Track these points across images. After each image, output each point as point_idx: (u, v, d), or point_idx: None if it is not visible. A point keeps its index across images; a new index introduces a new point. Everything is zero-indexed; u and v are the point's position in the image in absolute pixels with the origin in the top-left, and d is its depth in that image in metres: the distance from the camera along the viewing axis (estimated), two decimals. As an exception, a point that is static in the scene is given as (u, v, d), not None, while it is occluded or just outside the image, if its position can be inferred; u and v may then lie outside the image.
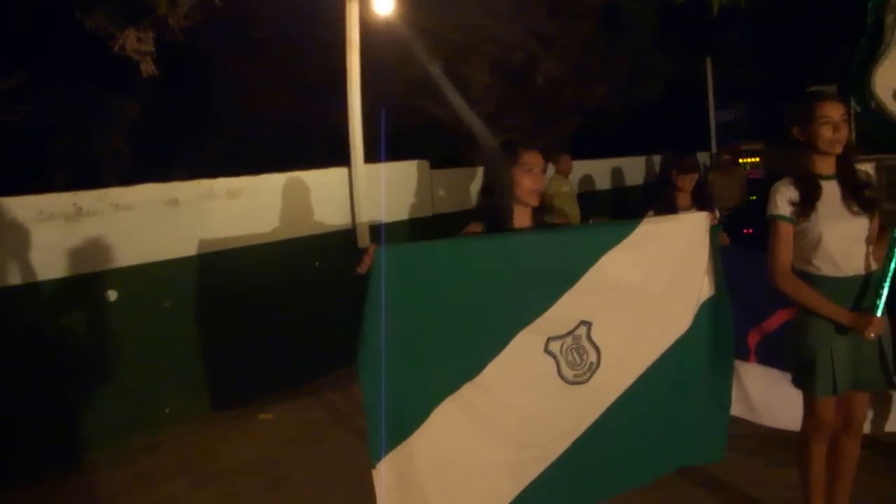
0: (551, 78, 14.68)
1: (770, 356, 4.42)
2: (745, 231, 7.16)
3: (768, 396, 4.41)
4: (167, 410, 5.88)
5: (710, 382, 3.31)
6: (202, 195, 6.18)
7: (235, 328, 6.26)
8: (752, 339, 4.49)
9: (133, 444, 5.53)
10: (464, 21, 13.56)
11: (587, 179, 11.46)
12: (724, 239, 4.74)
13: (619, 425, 3.11)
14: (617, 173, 11.96)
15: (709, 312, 3.27)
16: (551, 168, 9.97)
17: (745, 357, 4.49)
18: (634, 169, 12.28)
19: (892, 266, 3.21)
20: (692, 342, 3.24)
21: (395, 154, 7.97)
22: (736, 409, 4.38)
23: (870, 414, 4.35)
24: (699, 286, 3.25)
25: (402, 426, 2.80)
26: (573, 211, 9.33)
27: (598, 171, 12.00)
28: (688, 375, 3.25)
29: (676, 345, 3.21)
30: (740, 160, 10.12)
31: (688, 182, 4.82)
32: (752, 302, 4.23)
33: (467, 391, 2.87)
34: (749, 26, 16.66)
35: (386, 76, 11.38)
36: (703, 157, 13.59)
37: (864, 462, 3.62)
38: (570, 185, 9.66)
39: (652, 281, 3.14)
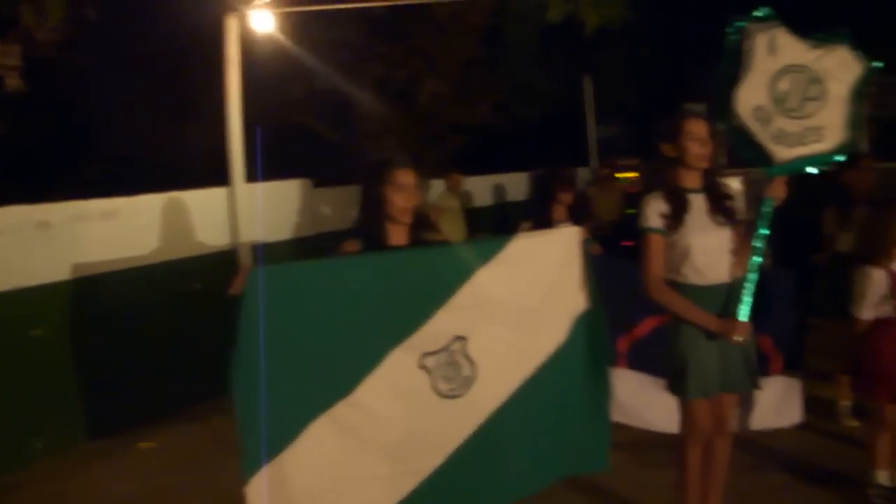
0: (434, 96, 14.83)
1: (639, 362, 4.59)
2: (623, 243, 7.41)
3: (638, 400, 4.57)
4: (39, 444, 5.59)
5: (588, 393, 3.41)
6: (75, 217, 5.92)
7: (113, 354, 6.01)
8: (622, 346, 4.65)
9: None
10: (347, 39, 13.57)
11: (472, 196, 11.62)
12: (595, 248, 4.91)
13: (498, 437, 3.17)
14: (500, 189, 12.18)
15: (584, 325, 3.36)
16: (441, 184, 10.10)
17: (614, 363, 4.64)
18: (517, 185, 12.53)
19: (755, 274, 3.39)
20: (569, 354, 3.32)
21: (279, 173, 7.88)
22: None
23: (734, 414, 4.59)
24: (574, 299, 3.34)
25: (275, 443, 2.81)
26: (460, 227, 9.46)
27: (482, 187, 12.19)
28: (566, 386, 3.34)
29: (553, 357, 3.29)
30: (618, 175, 10.48)
31: (567, 196, 4.97)
32: (621, 310, 4.38)
33: (341, 408, 2.90)
34: (627, 46, 17.32)
35: (268, 94, 11.25)
36: (583, 173, 13.98)
37: (731, 460, 3.79)
38: (458, 201, 9.81)
39: (526, 295, 3.21)
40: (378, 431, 2.98)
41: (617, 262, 4.56)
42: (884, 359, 3.93)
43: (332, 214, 8.78)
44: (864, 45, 3.48)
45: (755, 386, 3.59)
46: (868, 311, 3.94)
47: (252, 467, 2.78)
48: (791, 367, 4.70)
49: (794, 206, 6.01)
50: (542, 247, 3.31)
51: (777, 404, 4.77)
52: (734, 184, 3.71)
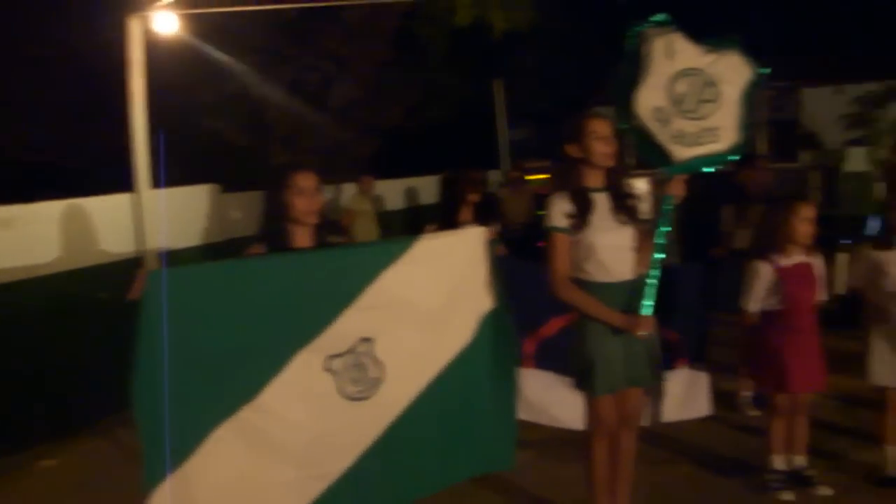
0: (346, 99, 14.77)
1: (546, 361, 4.66)
2: (538, 244, 7.50)
3: (545, 398, 4.64)
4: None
5: (495, 392, 3.44)
6: (-32, 226, 5.68)
7: (9, 368, 5.76)
8: (529, 346, 4.71)
9: None
10: (257, 42, 13.37)
11: (384, 199, 11.62)
12: (500, 249, 4.97)
13: (406, 437, 3.17)
14: (412, 193, 12.21)
15: (490, 324, 3.39)
16: (354, 187, 10.07)
17: (520, 363, 4.71)
18: (429, 188, 12.58)
19: (657, 270, 3.49)
20: (475, 354, 3.35)
21: (187, 178, 7.72)
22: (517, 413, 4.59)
23: (644, 408, 4.71)
24: (480, 298, 3.38)
25: (178, 453, 2.75)
26: (373, 230, 9.46)
27: (395, 190, 12.19)
28: (473, 386, 3.37)
29: (460, 357, 3.31)
30: (529, 177, 10.63)
31: (475, 197, 5.02)
32: (527, 310, 4.44)
33: (246, 413, 2.86)
34: (538, 49, 17.62)
35: (176, 98, 10.99)
36: (494, 176, 14.12)
37: (639, 453, 3.90)
38: (371, 204, 9.80)
39: (433, 295, 3.23)
40: (284, 436, 2.94)
41: (522, 263, 4.61)
42: (769, 349, 4.10)
43: (241, 220, 8.65)
44: (754, 53, 3.63)
45: (659, 379, 3.72)
46: (755, 303, 4.11)
47: (155, 479, 2.72)
48: (696, 361, 4.85)
49: (696, 205, 6.26)
50: (448, 247, 3.34)
51: (685, 397, 4.90)
52: (641, 184, 3.82)
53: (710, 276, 4.91)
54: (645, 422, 4.75)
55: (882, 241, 4.11)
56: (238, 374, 2.85)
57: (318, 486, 3.02)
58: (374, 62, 14.92)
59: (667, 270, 4.63)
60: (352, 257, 3.19)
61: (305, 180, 3.24)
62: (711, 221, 5.49)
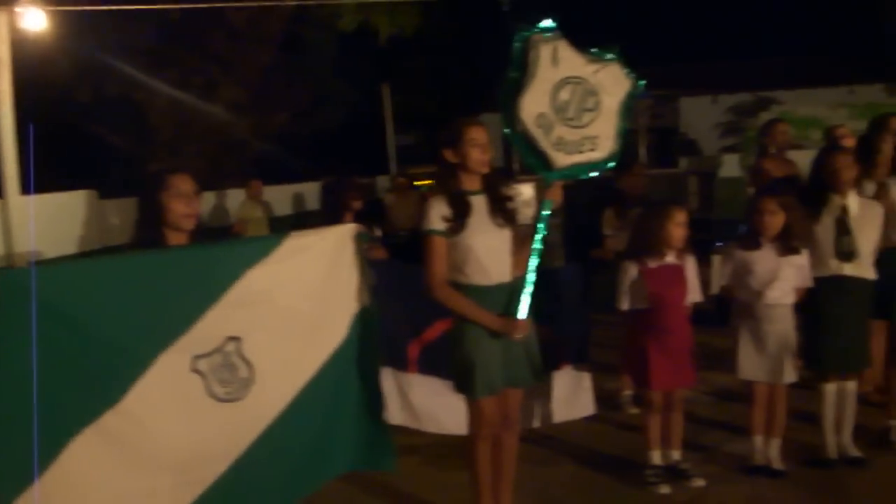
0: (232, 103, 14.48)
1: (430, 366, 4.68)
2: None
3: (432, 404, 4.67)
4: None
5: (365, 391, 3.45)
6: None
7: None
8: (413, 350, 4.73)
9: None
10: (140, 43, 12.96)
11: (271, 205, 11.45)
12: (382, 252, 4.98)
13: (284, 439, 3.14)
14: (299, 198, 12.05)
15: (361, 323, 3.40)
16: (241, 193, 9.87)
17: (404, 367, 4.72)
18: (317, 194, 12.48)
19: (534, 273, 3.57)
20: (347, 353, 3.36)
21: (67, 184, 7.43)
22: (402, 419, 4.62)
23: (525, 410, 4.81)
24: (350, 297, 3.38)
25: (31, 467, 2.59)
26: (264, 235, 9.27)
27: (282, 196, 12.01)
28: (346, 385, 3.38)
29: (334, 356, 3.31)
30: (417, 183, 10.68)
31: (357, 203, 5.02)
32: (411, 313, 4.46)
33: (109, 418, 2.73)
34: (426, 54, 17.72)
35: (53, 100, 10.53)
36: (383, 181, 14.11)
37: (522, 454, 3.98)
38: (261, 210, 9.62)
39: (302, 294, 3.20)
40: (151, 441, 2.83)
41: (406, 267, 4.63)
42: (638, 347, 4.26)
43: (120, 227, 8.35)
44: (632, 64, 3.77)
45: (538, 380, 3.80)
46: (624, 302, 4.27)
47: (10, 494, 2.56)
48: (579, 361, 4.97)
49: (578, 208, 6.43)
50: (316, 244, 3.31)
51: (569, 397, 5.02)
52: (527, 189, 3.89)
53: (590, 277, 5.06)
54: (533, 423, 4.86)
55: (749, 242, 4.31)
56: (99, 377, 2.72)
57: (192, 493, 2.93)
58: (260, 66, 14.69)
59: (549, 272, 4.77)
60: (217, 255, 3.11)
61: (183, 183, 3.17)
62: (593, 224, 5.65)
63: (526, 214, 3.77)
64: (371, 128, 17.21)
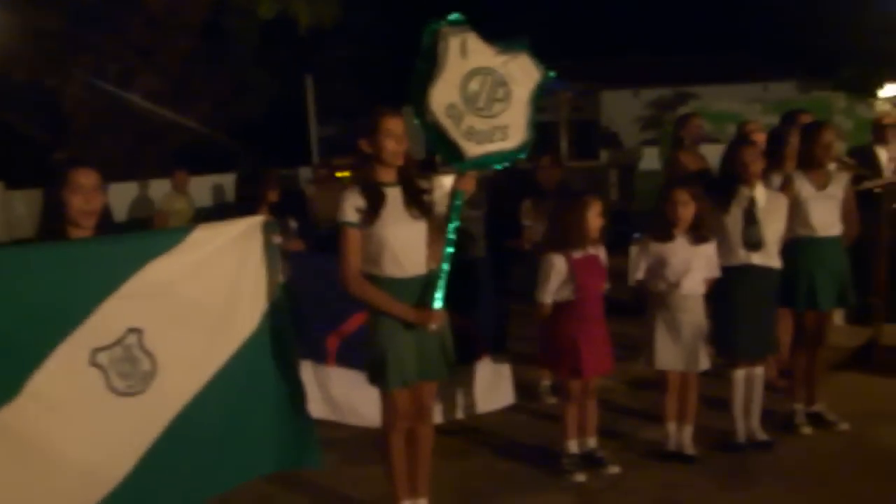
0: (151, 93, 14.15)
1: (349, 358, 4.66)
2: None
3: (351, 397, 4.65)
4: None
5: (283, 386, 3.38)
6: None
7: None
8: (332, 343, 4.70)
9: None
10: (49, 26, 12.52)
11: (193, 196, 11.19)
12: (298, 244, 4.92)
13: (191, 434, 3.04)
14: (219, 190, 11.82)
15: (272, 315, 3.34)
16: (166, 184, 9.61)
17: (323, 360, 4.68)
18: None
19: (447, 264, 3.57)
20: (259, 346, 3.28)
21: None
22: (322, 412, 4.59)
23: (446, 400, 4.82)
24: (260, 290, 3.31)
25: None
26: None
27: (202, 187, 11.74)
28: (259, 379, 3.29)
29: (243, 349, 3.22)
30: (339, 174, 10.58)
31: (273, 194, 4.93)
32: (329, 306, 4.42)
33: (6, 416, 2.62)
34: (348, 45, 17.56)
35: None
36: (305, 173, 13.95)
37: (440, 446, 3.99)
38: (186, 202, 9.36)
39: (209, 286, 3.12)
40: (51, 439, 2.72)
41: (321, 259, 4.57)
42: (563, 338, 4.29)
43: (29, 218, 8.05)
44: (553, 57, 3.79)
45: (451, 373, 3.79)
46: (549, 295, 4.29)
47: None
48: (497, 351, 5.00)
49: (498, 199, 6.45)
50: (224, 235, 3.22)
51: (489, 387, 5.06)
52: (449, 181, 3.87)
53: (508, 267, 5.09)
54: (454, 414, 4.87)
55: (662, 235, 4.39)
56: None
57: (98, 493, 2.83)
58: (179, 54, 14.38)
59: (466, 263, 4.78)
60: (118, 246, 3.00)
61: (83, 177, 3.06)
62: (511, 214, 5.68)
63: (433, 204, 3.76)
64: (294, 118, 17.00)
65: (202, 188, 11.76)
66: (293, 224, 5.31)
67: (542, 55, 3.76)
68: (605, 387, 5.34)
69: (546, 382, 5.56)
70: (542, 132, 12.17)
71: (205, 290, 3.10)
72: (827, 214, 4.80)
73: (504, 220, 5.83)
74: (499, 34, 3.73)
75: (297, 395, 3.44)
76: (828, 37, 18.99)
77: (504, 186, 6.74)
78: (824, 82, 18.97)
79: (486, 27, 3.71)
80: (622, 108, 19.63)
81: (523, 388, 5.39)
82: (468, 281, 4.75)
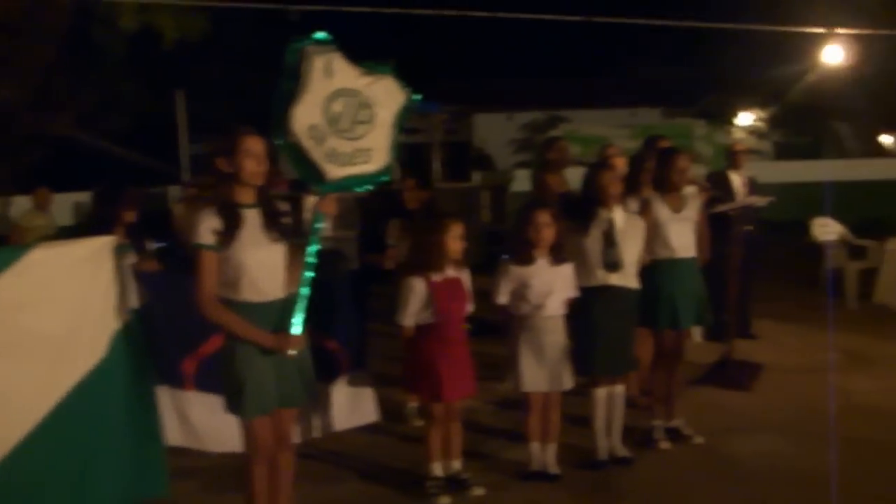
0: (6, 103, 13.39)
1: (207, 382, 4.49)
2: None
3: (211, 422, 4.47)
4: None
5: (135, 413, 3.24)
6: None
7: None
8: (189, 367, 4.52)
9: None
10: None
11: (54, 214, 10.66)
12: (153, 265, 4.74)
13: (30, 471, 2.87)
14: (82, 208, 11.31)
15: (121, 342, 3.19)
16: (27, 201, 9.13)
17: (180, 385, 4.51)
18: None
19: (307, 288, 3.50)
20: (107, 374, 3.13)
21: None
22: (182, 440, 4.39)
23: (306, 420, 4.72)
24: (109, 314, 3.16)
25: None
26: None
27: (64, 205, 11.20)
28: (108, 408, 3.15)
29: (90, 377, 3.07)
30: (207, 194, 10.27)
31: (130, 215, 4.74)
32: (186, 328, 4.26)
33: None
34: (221, 60, 17.13)
35: None
36: (174, 191, 13.54)
37: (305, 470, 3.95)
38: (47, 219, 8.88)
39: (49, 311, 2.96)
40: None
41: (178, 279, 4.41)
42: (424, 361, 4.28)
43: None
44: (416, 77, 3.79)
45: (312, 398, 3.71)
46: (409, 318, 4.27)
47: None
48: (357, 368, 4.94)
49: (367, 220, 6.42)
50: (67, 257, 3.07)
51: (350, 405, 4.97)
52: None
53: (369, 286, 5.03)
54: (314, 433, 4.76)
55: (524, 258, 4.44)
56: None
57: None
58: (38, 62, 13.67)
59: (327, 282, 4.71)
60: None
61: None
62: (378, 234, 5.66)
63: (293, 226, 3.69)
64: (164, 135, 16.45)
65: (64, 206, 11.22)
66: (151, 244, 5.10)
67: (416, 77, 3.77)
68: (471, 407, 5.37)
69: (413, 404, 5.53)
70: (415, 153, 12.33)
71: (44, 314, 2.93)
72: (684, 236, 5.01)
73: (372, 240, 5.81)
74: (372, 56, 3.72)
75: (149, 423, 3.30)
76: (690, 66, 19.94)
77: (374, 207, 6.73)
78: (688, 110, 19.90)
79: (359, 48, 3.70)
80: (496, 131, 19.99)
81: (391, 410, 5.34)
82: (330, 299, 4.69)
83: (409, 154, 11.60)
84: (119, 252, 3.21)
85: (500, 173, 15.89)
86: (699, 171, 10.94)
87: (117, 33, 13.50)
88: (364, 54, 3.71)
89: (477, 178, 13.11)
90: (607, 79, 25.51)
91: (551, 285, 4.41)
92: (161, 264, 4.89)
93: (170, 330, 4.40)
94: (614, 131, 13.10)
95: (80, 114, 14.99)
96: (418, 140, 11.57)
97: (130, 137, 16.93)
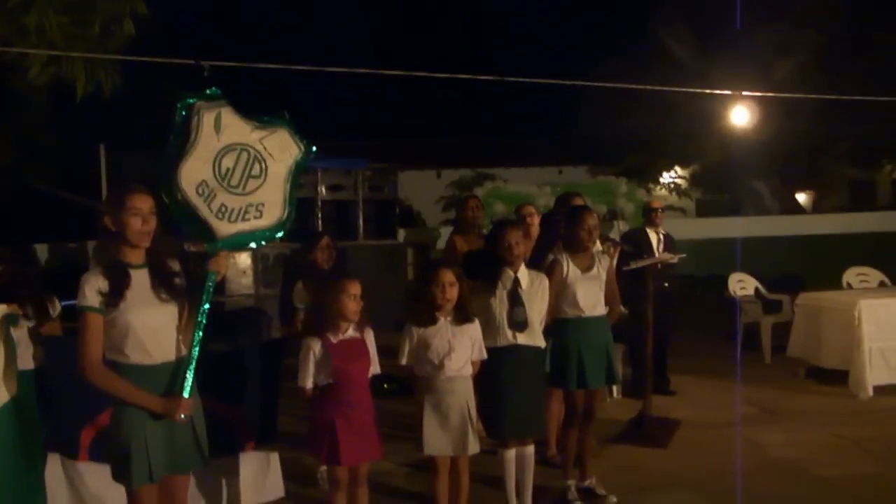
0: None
1: (102, 452, 4.29)
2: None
3: (105, 494, 4.26)
4: None
5: (24, 487, 3.05)
6: None
7: None
8: (86, 436, 4.32)
9: None
10: None
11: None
12: (56, 329, 4.54)
13: None
14: None
15: (11, 415, 3.02)
16: None
17: (75, 455, 4.30)
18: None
19: (196, 351, 3.36)
20: None
21: None
22: None
23: (212, 494, 4.53)
24: None
25: None
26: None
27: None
28: None
29: None
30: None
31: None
32: (86, 396, 4.07)
33: None
34: (146, 113, 16.89)
35: None
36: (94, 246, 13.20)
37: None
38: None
39: None
40: None
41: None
42: (323, 423, 4.14)
43: None
44: (305, 131, 3.74)
45: (205, 463, 3.54)
46: (308, 379, 4.14)
47: None
48: (265, 440, 4.77)
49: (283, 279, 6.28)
50: None
51: (256, 479, 4.81)
52: (247, 259, 3.67)
53: (282, 351, 4.89)
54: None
55: (424, 319, 4.35)
56: None
57: None
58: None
59: (238, 349, 4.57)
60: None
61: None
62: (285, 297, 5.55)
63: (242, 284, 3.57)
64: (86, 188, 16.08)
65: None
66: (57, 305, 4.89)
67: (346, 133, 3.71)
68: (383, 469, 5.23)
69: (324, 467, 5.35)
70: (340, 210, 12.14)
71: None
72: (592, 295, 5.00)
73: (284, 304, 5.71)
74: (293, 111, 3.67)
75: (35, 493, 3.12)
76: (614, 127, 20.48)
77: (290, 267, 6.63)
78: (612, 168, 20.37)
79: (282, 105, 3.67)
80: (424, 188, 20.14)
81: (302, 474, 5.17)
82: (237, 366, 4.55)
83: (333, 211, 11.51)
84: (8, 322, 3.04)
85: (425, 230, 15.93)
86: (622, 227, 11.17)
87: (33, 86, 13.20)
88: (287, 112, 3.69)
89: (402, 234, 13.09)
90: (535, 138, 26.07)
91: (452, 344, 4.31)
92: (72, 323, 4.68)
93: (69, 397, 4.21)
94: (538, 189, 13.25)
95: (-2, 167, 14.60)
96: (342, 197, 11.49)
97: (52, 191, 16.54)
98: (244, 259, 9.54)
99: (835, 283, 9.74)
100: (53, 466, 4.32)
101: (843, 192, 25.36)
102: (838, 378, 7.68)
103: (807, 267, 12.81)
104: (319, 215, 11.14)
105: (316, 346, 4.10)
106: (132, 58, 6.84)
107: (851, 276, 9.89)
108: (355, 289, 4.11)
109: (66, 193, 15.59)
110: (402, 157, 16.88)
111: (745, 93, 7.65)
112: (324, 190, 11.37)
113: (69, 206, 15.59)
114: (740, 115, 14.41)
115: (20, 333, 4.20)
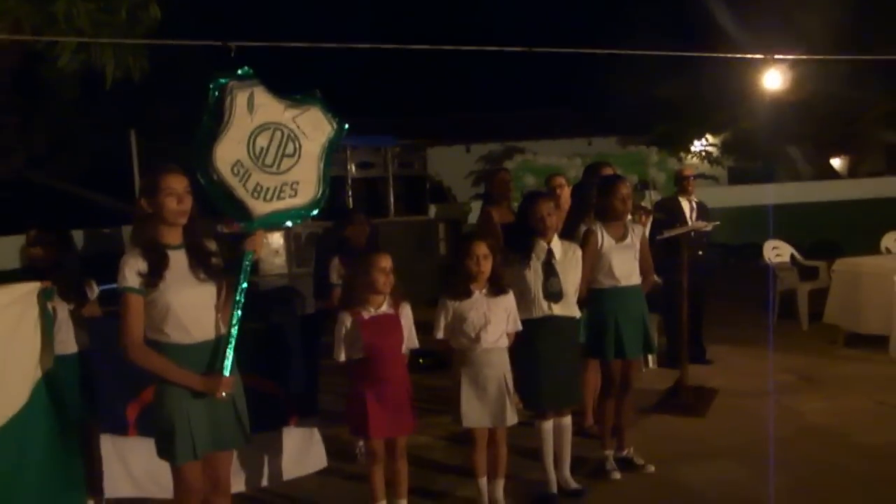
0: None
1: (150, 427, 4.37)
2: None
3: (155, 467, 4.34)
4: None
5: (55, 464, 3.12)
6: None
7: None
8: (132, 412, 4.40)
9: None
10: None
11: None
12: (96, 310, 4.63)
13: None
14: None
15: (47, 387, 3.08)
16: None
17: (124, 431, 4.38)
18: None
19: (237, 328, 3.41)
20: (29, 421, 3.02)
21: None
22: (126, 490, 4.27)
23: (255, 467, 4.60)
24: (32, 362, 3.05)
25: None
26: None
27: (12, 248, 10.93)
28: (30, 455, 3.03)
29: (10, 425, 2.96)
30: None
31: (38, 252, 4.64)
32: (130, 373, 4.15)
33: None
34: (175, 101, 17.00)
35: None
36: (129, 231, 13.34)
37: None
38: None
39: None
40: None
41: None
42: (355, 397, 4.19)
43: None
44: (375, 112, 3.75)
45: (248, 441, 3.59)
46: (341, 354, 4.19)
47: None
48: (307, 414, 4.83)
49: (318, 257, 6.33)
50: None
51: (299, 453, 4.85)
52: (280, 239, 3.72)
53: (321, 327, 4.94)
54: (263, 482, 4.64)
55: (459, 292, 4.37)
56: None
57: None
58: (-16, 105, 13.51)
59: (276, 325, 4.61)
60: None
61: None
62: (322, 274, 5.59)
63: (275, 263, 3.61)
64: (119, 175, 16.25)
65: (13, 249, 10.97)
66: (95, 288, 4.97)
67: (374, 111, 3.73)
68: (421, 443, 5.28)
69: (362, 443, 5.41)
70: (370, 188, 12.10)
71: None
72: (627, 264, 4.97)
73: (320, 280, 5.74)
74: (334, 95, 3.69)
75: (74, 470, 3.18)
76: (644, 97, 20.27)
77: (323, 245, 6.67)
78: (642, 138, 20.17)
79: (313, 84, 3.68)
80: (454, 163, 20.11)
81: (341, 450, 5.23)
82: (278, 343, 4.59)
83: (364, 189, 11.54)
84: (44, 298, 3.10)
85: (456, 206, 15.88)
86: (655, 197, 11.05)
87: (70, 77, 13.33)
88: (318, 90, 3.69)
89: (433, 210, 13.08)
90: (564, 110, 25.88)
91: (488, 317, 4.33)
92: (109, 307, 4.76)
93: (113, 376, 4.29)
94: (568, 161, 13.15)
95: (31, 155, 14.79)
96: (372, 174, 11.50)
97: (87, 178, 16.76)
98: (277, 239, 9.60)
99: (871, 248, 9.60)
100: (105, 448, 4.41)
101: (878, 156, 24.90)
102: (878, 344, 7.61)
103: (842, 233, 12.63)
104: (350, 193, 11.17)
105: (347, 321, 4.14)
106: (159, 41, 6.90)
107: (890, 240, 9.75)
108: (385, 262, 4.12)
109: (93, 193, 15.76)
110: (431, 133, 16.86)
111: (777, 56, 7.51)
112: (354, 168, 11.39)
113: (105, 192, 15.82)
114: (773, 80, 14.13)
115: (62, 317, 4.30)
